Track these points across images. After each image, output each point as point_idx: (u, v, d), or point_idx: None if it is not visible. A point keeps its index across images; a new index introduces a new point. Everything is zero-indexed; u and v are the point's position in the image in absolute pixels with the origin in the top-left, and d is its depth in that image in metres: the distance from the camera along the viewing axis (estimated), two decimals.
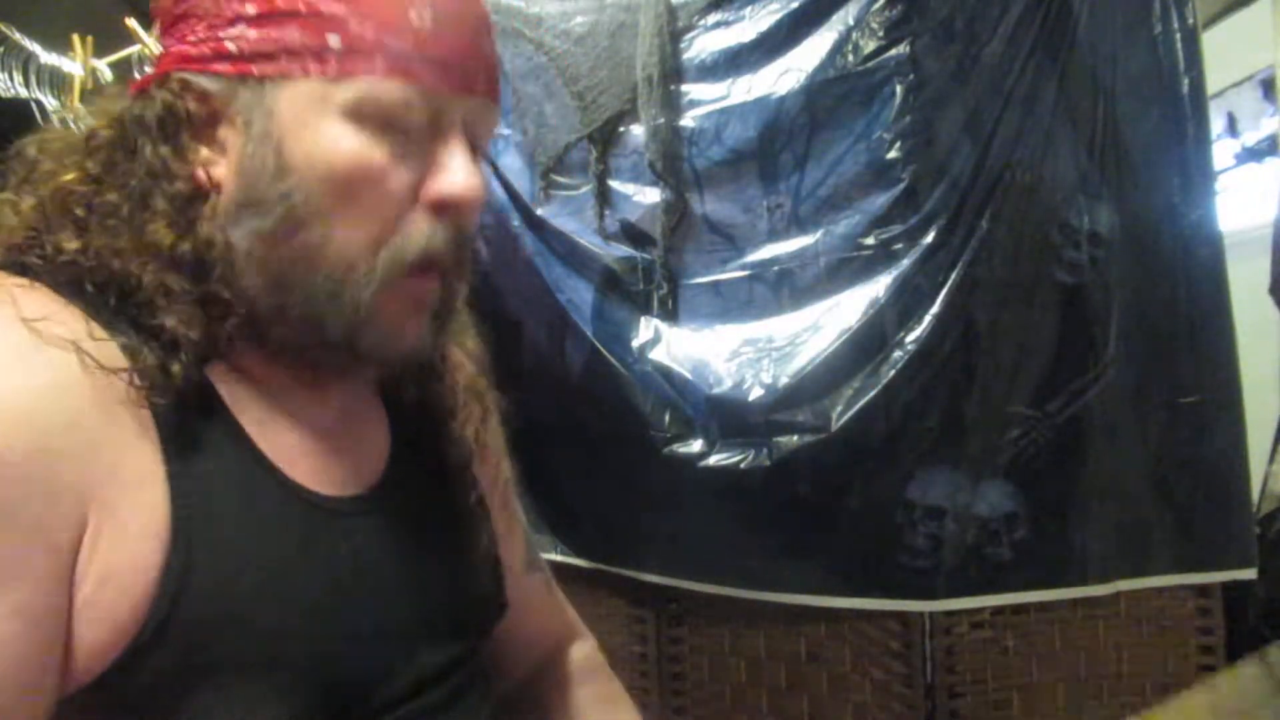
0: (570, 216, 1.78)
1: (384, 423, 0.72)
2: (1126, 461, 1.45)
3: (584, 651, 0.87)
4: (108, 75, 2.16)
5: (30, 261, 0.56)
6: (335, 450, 0.64)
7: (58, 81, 2.07)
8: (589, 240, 1.74)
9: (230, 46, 0.56)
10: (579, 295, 1.74)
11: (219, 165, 0.58)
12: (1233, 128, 2.62)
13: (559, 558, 1.77)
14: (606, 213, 1.74)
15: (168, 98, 0.58)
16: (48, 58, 2.04)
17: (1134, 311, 1.44)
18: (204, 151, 0.58)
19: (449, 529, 0.72)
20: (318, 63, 0.55)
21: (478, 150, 0.62)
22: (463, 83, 0.58)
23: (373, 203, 0.57)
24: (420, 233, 0.58)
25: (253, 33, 0.56)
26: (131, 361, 0.53)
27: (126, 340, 0.53)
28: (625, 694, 0.86)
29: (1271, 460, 2.01)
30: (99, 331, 0.53)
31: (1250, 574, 1.45)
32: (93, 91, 2.11)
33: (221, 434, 0.57)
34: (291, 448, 0.61)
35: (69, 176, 0.58)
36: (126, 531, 0.51)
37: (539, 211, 1.81)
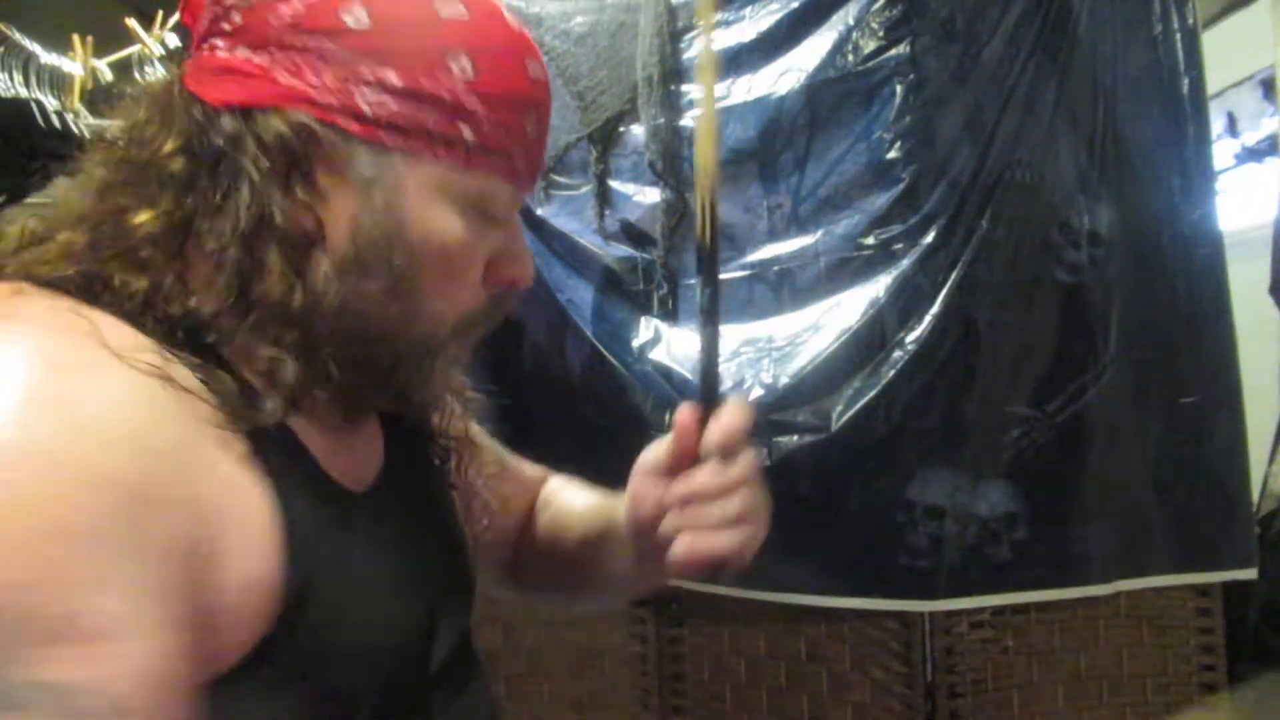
0: (570, 216, 1.78)
1: (377, 421, 0.74)
2: (1126, 461, 1.45)
3: (550, 484, 0.96)
4: (108, 75, 2.16)
5: (89, 289, 0.55)
6: (349, 447, 0.66)
7: (58, 81, 2.07)
8: (589, 240, 1.74)
9: (366, 109, 0.56)
10: (579, 295, 1.74)
11: (320, 214, 0.58)
12: (1233, 128, 2.62)
13: None
14: (606, 213, 1.74)
15: (284, 132, 0.56)
16: (48, 58, 2.04)
17: (1134, 311, 1.44)
18: (303, 195, 0.57)
19: (436, 508, 0.76)
20: (448, 151, 0.58)
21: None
22: (535, 180, 0.66)
23: (464, 282, 0.62)
24: (480, 302, 0.64)
25: (393, 104, 0.57)
26: (214, 387, 0.54)
27: (204, 373, 0.55)
28: (581, 488, 0.93)
29: (1271, 460, 2.00)
30: (172, 358, 0.54)
31: (1250, 574, 1.45)
32: (95, 91, 2.11)
33: (286, 441, 0.59)
34: (326, 449, 0.63)
35: (142, 218, 0.57)
36: (246, 536, 0.53)
37: (539, 211, 1.81)
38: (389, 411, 0.70)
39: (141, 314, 0.55)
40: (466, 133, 0.58)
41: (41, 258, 0.56)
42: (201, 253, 0.57)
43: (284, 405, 0.57)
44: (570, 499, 0.90)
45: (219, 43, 0.59)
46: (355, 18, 0.56)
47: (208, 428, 0.53)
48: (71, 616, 0.44)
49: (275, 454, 0.57)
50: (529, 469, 0.97)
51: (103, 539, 0.46)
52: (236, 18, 0.58)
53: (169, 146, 0.57)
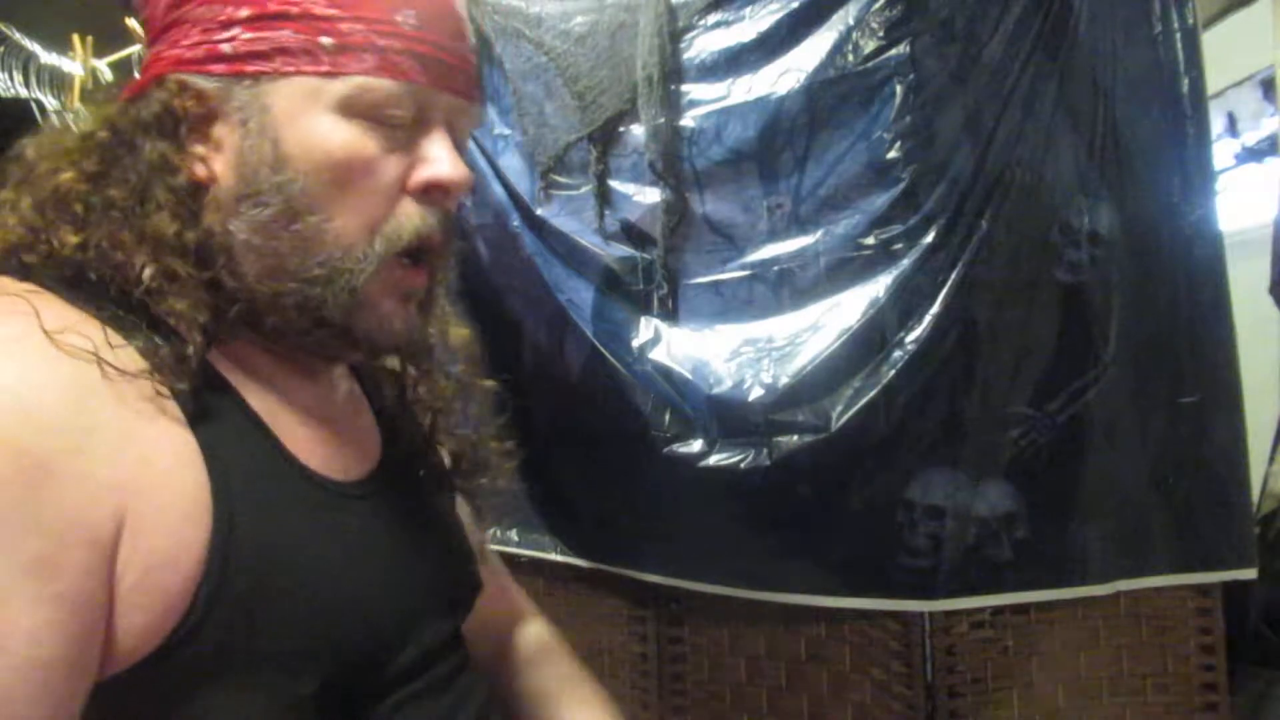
0: (570, 216, 1.78)
1: (373, 421, 0.76)
2: (1126, 461, 1.45)
3: (537, 631, 0.92)
4: (108, 75, 2.16)
5: (30, 260, 0.58)
6: (337, 438, 0.67)
7: (58, 81, 2.08)
8: (589, 240, 1.74)
9: (225, 48, 0.59)
10: (579, 295, 1.74)
11: (216, 160, 0.61)
12: (1233, 128, 2.62)
13: (559, 558, 1.77)
14: (606, 213, 1.74)
15: (164, 97, 0.61)
16: (48, 58, 2.04)
17: (1134, 311, 1.44)
18: (200, 148, 0.61)
19: (433, 514, 0.77)
20: (310, 61, 0.59)
21: (461, 145, 0.66)
22: (445, 80, 0.63)
23: (366, 191, 0.61)
24: (411, 218, 0.63)
25: (246, 34, 0.59)
26: (149, 360, 0.55)
27: (142, 343, 0.56)
28: (584, 672, 0.90)
29: (1271, 460, 2.01)
30: (115, 338, 0.55)
31: (1250, 574, 1.45)
32: (93, 91, 2.11)
33: (239, 419, 0.60)
34: (299, 433, 0.64)
35: (67, 176, 0.60)
36: (169, 515, 0.53)
37: (539, 211, 1.81)
38: (354, 358, 0.70)
39: (79, 271, 0.58)
40: (325, 40, 0.59)
41: None
42: (115, 208, 0.60)
43: (201, 346, 0.57)
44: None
45: (154, 47, 0.64)
46: None
47: (140, 403, 0.54)
48: None
49: (228, 435, 0.58)
50: (519, 595, 0.94)
51: None
52: (147, 25, 0.64)
53: (91, 124, 0.63)
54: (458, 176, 0.64)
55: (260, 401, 0.62)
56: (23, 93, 1.95)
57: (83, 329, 0.54)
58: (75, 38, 2.13)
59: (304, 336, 0.63)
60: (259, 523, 0.57)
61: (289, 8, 0.58)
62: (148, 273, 0.57)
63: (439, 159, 0.63)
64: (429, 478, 0.79)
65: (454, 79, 0.64)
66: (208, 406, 0.57)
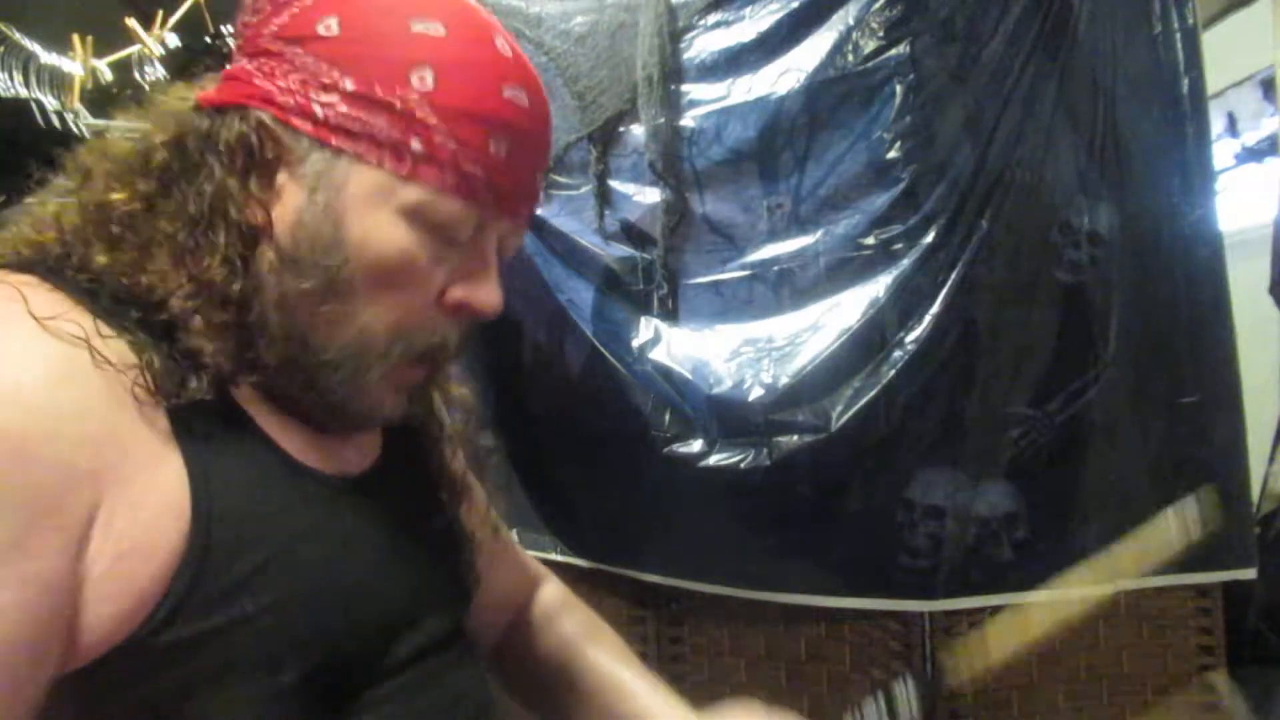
0: (570, 216, 1.78)
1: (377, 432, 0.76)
2: (1126, 461, 1.45)
3: (552, 590, 0.94)
4: (108, 75, 2.16)
5: (53, 267, 0.57)
6: (334, 437, 0.67)
7: (58, 81, 2.07)
8: (589, 240, 1.74)
9: (318, 110, 0.59)
10: (579, 295, 1.74)
11: (272, 210, 0.60)
12: (1233, 128, 2.62)
13: (559, 557, 1.77)
14: (606, 213, 1.74)
15: (244, 130, 0.59)
16: (48, 58, 2.04)
17: (1134, 311, 1.44)
18: (260, 192, 0.60)
19: (431, 512, 0.77)
20: (394, 158, 0.59)
21: (504, 263, 0.67)
22: (512, 208, 0.64)
23: (405, 295, 0.61)
24: (436, 331, 0.64)
25: (344, 107, 0.58)
26: (140, 358, 0.55)
27: (133, 339, 0.56)
28: (601, 621, 0.93)
29: (1271, 460, 2.01)
30: (106, 329, 0.55)
31: (1250, 574, 1.45)
32: (95, 90, 2.11)
33: (228, 414, 0.60)
34: (290, 430, 0.64)
35: (117, 196, 0.60)
36: (143, 508, 0.53)
37: (539, 211, 1.81)
38: (334, 430, 0.70)
39: (96, 291, 0.57)
40: (414, 143, 0.59)
41: (19, 238, 0.59)
42: (161, 236, 0.59)
43: (210, 383, 0.57)
44: (603, 661, 0.87)
45: (237, 55, 0.63)
46: (327, 26, 0.59)
47: (125, 400, 0.54)
48: None
49: (216, 431, 0.58)
50: (530, 561, 0.96)
51: None
52: (246, 31, 0.62)
53: (156, 139, 0.61)
54: (493, 308, 0.64)
55: (253, 400, 0.62)
56: (23, 93, 1.95)
57: (74, 316, 0.54)
58: (75, 38, 2.13)
59: (297, 403, 0.63)
60: (241, 516, 0.57)
61: (393, 100, 0.58)
62: (176, 306, 0.57)
63: (483, 286, 0.64)
64: (429, 476, 0.79)
65: (520, 207, 0.65)
66: (195, 408, 0.57)
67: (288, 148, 0.59)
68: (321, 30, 0.59)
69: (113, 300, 0.57)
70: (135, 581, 0.52)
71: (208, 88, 0.63)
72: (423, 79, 0.58)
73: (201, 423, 0.57)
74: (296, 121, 0.59)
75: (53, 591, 0.50)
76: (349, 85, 0.58)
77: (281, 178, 0.60)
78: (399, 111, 0.58)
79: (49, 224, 0.60)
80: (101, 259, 0.57)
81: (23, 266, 0.57)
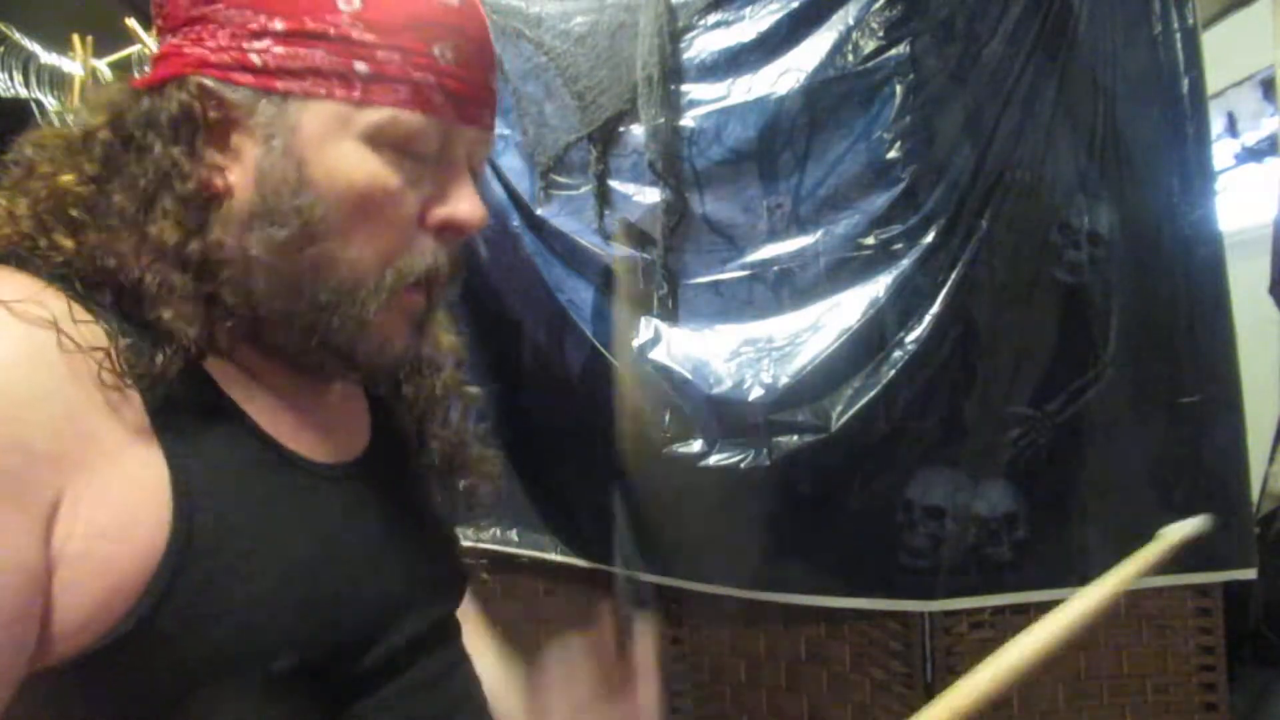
0: (570, 216, 1.78)
1: (364, 406, 0.75)
2: (1126, 461, 1.45)
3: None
4: (108, 75, 2.16)
5: (22, 255, 0.57)
6: (321, 423, 0.66)
7: (58, 81, 2.07)
8: (589, 240, 1.74)
9: (255, 59, 0.58)
10: (579, 295, 1.74)
11: (231, 172, 0.59)
12: (1233, 128, 2.62)
13: (559, 558, 1.77)
14: (606, 213, 1.74)
15: (185, 99, 0.59)
16: (48, 58, 2.04)
17: (1134, 311, 1.44)
18: (215, 156, 0.59)
19: (419, 501, 0.76)
20: (343, 86, 0.58)
21: (475, 174, 0.65)
22: (471, 115, 0.62)
23: (385, 222, 0.60)
24: (425, 253, 0.62)
25: (280, 49, 0.57)
26: (111, 342, 0.54)
27: (108, 325, 0.55)
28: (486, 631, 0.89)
29: (1271, 460, 2.01)
30: (81, 313, 0.54)
31: (1250, 574, 1.45)
32: (91, 88, 2.11)
33: (212, 402, 0.59)
34: (279, 418, 0.63)
35: (66, 178, 0.59)
36: (115, 491, 0.52)
37: (539, 211, 1.81)
38: (349, 377, 0.69)
39: (66, 276, 0.56)
40: (359, 65, 0.57)
41: None
42: (117, 214, 0.58)
43: (176, 355, 0.56)
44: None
45: (159, 38, 0.62)
46: None
47: (93, 385, 0.53)
48: None
49: (200, 418, 0.57)
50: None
51: None
52: (165, 9, 0.61)
53: (95, 121, 0.60)
54: (477, 218, 0.63)
55: (236, 383, 0.61)
56: (23, 93, 1.95)
57: (45, 299, 0.53)
58: (75, 38, 2.13)
59: (304, 356, 0.62)
60: (224, 504, 0.56)
61: (326, 28, 0.57)
62: (144, 280, 0.56)
63: (460, 199, 0.63)
64: (416, 467, 0.78)
65: (480, 114, 0.63)
66: (172, 390, 0.56)
67: (233, 105, 0.58)
68: None
69: (86, 285, 0.56)
70: (111, 568, 0.52)
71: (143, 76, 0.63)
72: (349, 0, 0.57)
73: (184, 410, 0.56)
74: (236, 76, 0.58)
75: (21, 575, 0.49)
76: (279, 25, 0.57)
77: (235, 138, 0.59)
78: (335, 38, 0.57)
79: (4, 217, 0.58)
80: (67, 243, 0.57)
81: None
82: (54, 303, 0.53)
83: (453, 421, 0.80)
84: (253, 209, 0.58)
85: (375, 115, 0.58)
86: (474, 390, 0.83)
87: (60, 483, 0.51)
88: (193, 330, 0.57)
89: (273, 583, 0.57)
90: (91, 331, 0.54)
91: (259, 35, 0.58)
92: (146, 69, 2.18)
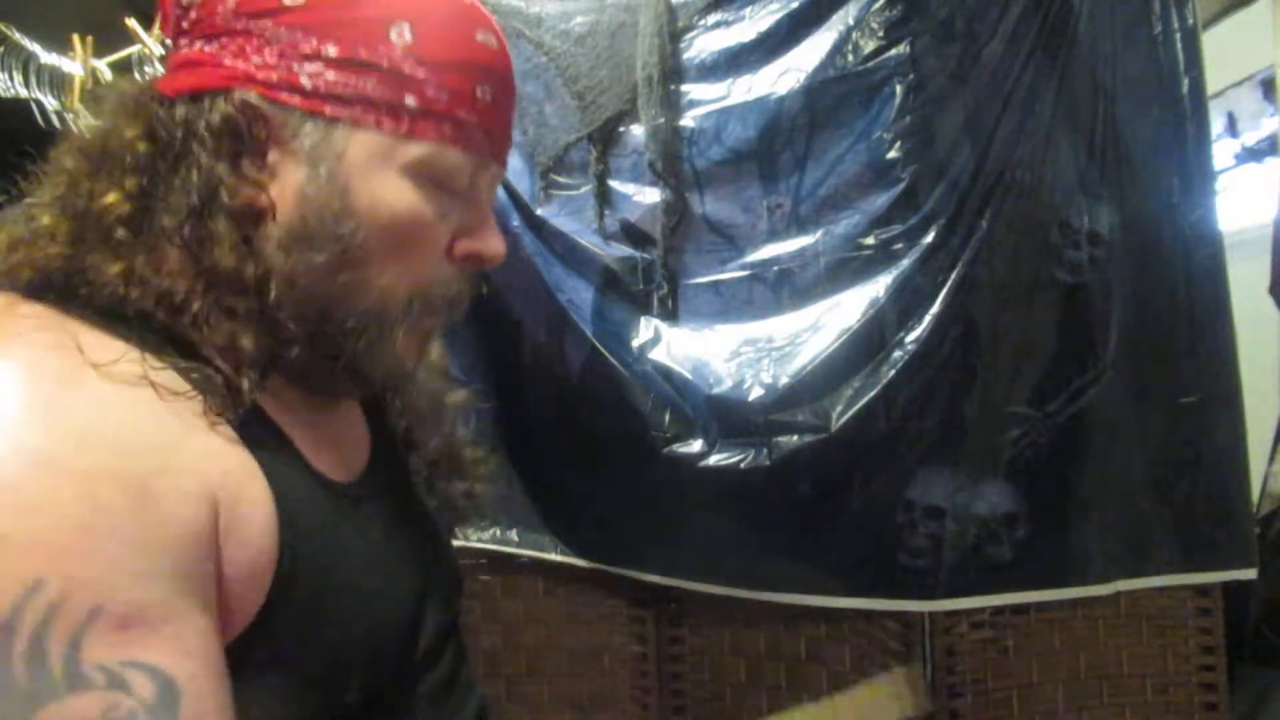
0: (570, 216, 1.78)
1: (361, 417, 0.76)
2: (1126, 461, 1.45)
3: None
4: (108, 75, 2.16)
5: (69, 286, 0.56)
6: (334, 440, 0.67)
7: (58, 81, 2.07)
8: (589, 240, 1.74)
9: (305, 81, 0.58)
10: (579, 295, 1.74)
11: (270, 189, 0.59)
12: (1233, 128, 2.62)
13: (559, 558, 1.77)
14: (606, 213, 1.74)
15: (229, 112, 0.58)
16: (48, 58, 2.04)
17: (1134, 311, 1.44)
18: (255, 173, 0.59)
19: (419, 509, 0.77)
20: (392, 118, 0.58)
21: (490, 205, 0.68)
22: (500, 153, 0.66)
23: (417, 254, 0.62)
24: (449, 284, 0.64)
25: (332, 74, 0.58)
26: (199, 383, 0.55)
27: (186, 365, 0.55)
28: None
29: (1271, 460, 2.01)
30: (154, 362, 0.54)
31: (1250, 574, 1.45)
32: (95, 90, 2.11)
33: (268, 430, 0.60)
34: (308, 438, 0.63)
35: (110, 198, 0.58)
36: (249, 525, 0.54)
37: (539, 211, 1.81)
38: (356, 395, 0.70)
39: (119, 305, 0.56)
40: (409, 99, 0.58)
41: (26, 259, 0.57)
42: (164, 233, 0.58)
43: (255, 383, 0.57)
44: None
45: (182, 41, 0.61)
46: None
47: (196, 422, 0.54)
48: (117, 605, 0.45)
49: (263, 445, 0.58)
50: None
51: (116, 531, 0.46)
52: (193, 14, 0.60)
53: (130, 134, 0.60)
54: (502, 253, 0.65)
55: (273, 408, 0.62)
56: (23, 93, 1.95)
57: (125, 355, 0.53)
58: (75, 38, 2.13)
59: (315, 373, 0.63)
60: (306, 532, 0.57)
61: (380, 60, 0.57)
62: (197, 305, 0.56)
63: (487, 235, 0.65)
64: (409, 473, 0.79)
65: (504, 151, 0.66)
66: (246, 422, 0.57)
67: (278, 124, 0.58)
68: (287, 0, 0.58)
69: (139, 315, 0.56)
70: (240, 597, 0.53)
71: (166, 77, 0.62)
72: (401, 34, 0.58)
73: (259, 442, 0.57)
74: (284, 96, 0.58)
75: (215, 612, 0.51)
76: (332, 51, 0.57)
77: (274, 156, 0.59)
78: (386, 70, 0.58)
79: (46, 237, 0.58)
80: (113, 269, 0.56)
81: (32, 293, 0.56)
82: (131, 356, 0.53)
83: (443, 427, 0.81)
84: (292, 230, 0.59)
85: (420, 150, 0.59)
86: (460, 395, 0.84)
87: (215, 517, 0.52)
88: (258, 352, 0.58)
89: (349, 615, 0.59)
90: (169, 377, 0.54)
91: (311, 58, 0.58)
92: (148, 69, 2.17)
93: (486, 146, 0.63)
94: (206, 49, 0.60)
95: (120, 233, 0.57)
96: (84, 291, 0.56)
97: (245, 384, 0.56)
